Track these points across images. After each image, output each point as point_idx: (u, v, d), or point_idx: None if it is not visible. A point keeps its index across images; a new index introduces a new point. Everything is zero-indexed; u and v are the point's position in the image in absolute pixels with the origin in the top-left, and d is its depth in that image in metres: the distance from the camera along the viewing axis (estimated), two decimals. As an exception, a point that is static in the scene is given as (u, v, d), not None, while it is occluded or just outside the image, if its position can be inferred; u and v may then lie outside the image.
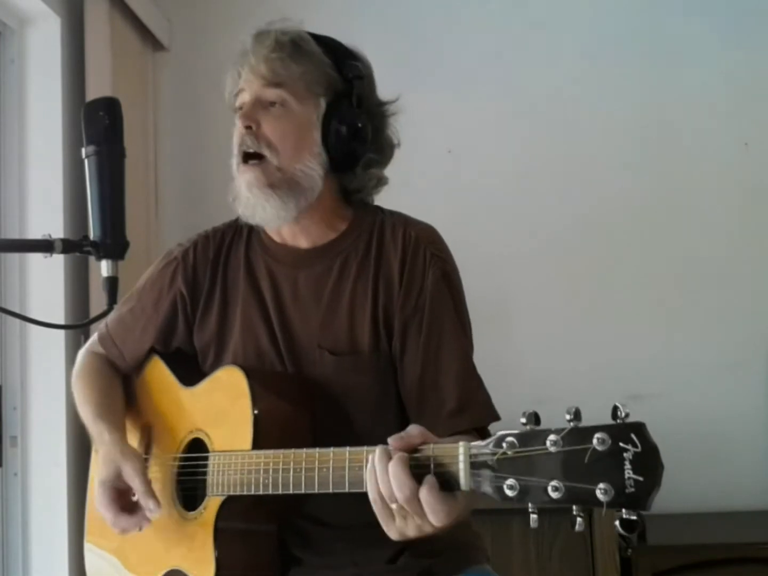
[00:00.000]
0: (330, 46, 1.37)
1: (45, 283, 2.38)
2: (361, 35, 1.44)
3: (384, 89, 1.43)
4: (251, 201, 1.32)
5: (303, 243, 1.38)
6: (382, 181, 1.41)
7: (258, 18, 1.39)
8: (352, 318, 1.32)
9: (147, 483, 1.27)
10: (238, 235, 1.44)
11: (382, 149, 1.41)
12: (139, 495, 1.26)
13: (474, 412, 1.27)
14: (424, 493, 0.96)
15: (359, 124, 1.34)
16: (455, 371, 1.29)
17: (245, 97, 1.34)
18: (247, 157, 1.32)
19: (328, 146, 1.33)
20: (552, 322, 2.80)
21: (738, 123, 2.82)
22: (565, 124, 2.85)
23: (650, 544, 2.30)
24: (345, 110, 1.34)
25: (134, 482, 1.27)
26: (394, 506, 0.99)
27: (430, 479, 0.97)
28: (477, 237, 2.75)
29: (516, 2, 2.94)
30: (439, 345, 1.30)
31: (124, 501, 1.29)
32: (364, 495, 1.04)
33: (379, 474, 0.99)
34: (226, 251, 1.43)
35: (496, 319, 2.71)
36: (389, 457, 0.99)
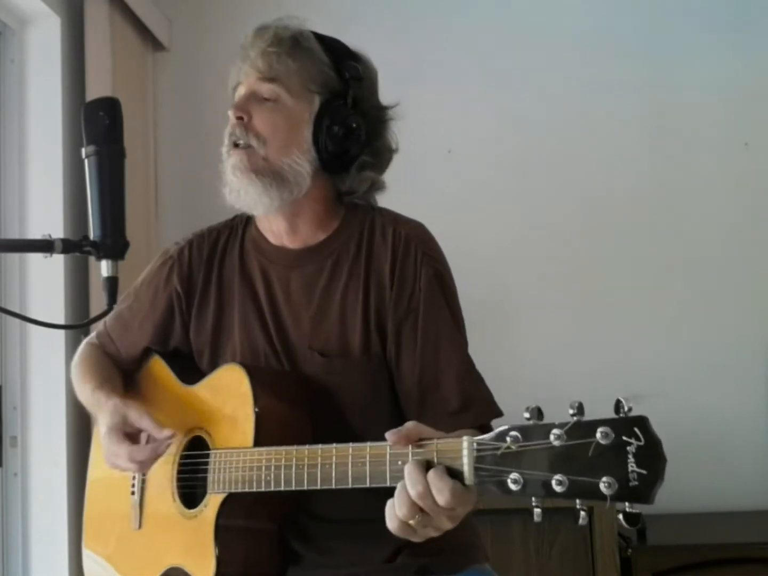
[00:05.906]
0: (331, 46, 1.37)
1: (45, 283, 2.38)
2: (361, 35, 1.43)
3: (383, 89, 1.42)
4: (235, 184, 1.32)
5: (294, 243, 1.38)
6: (377, 185, 1.40)
7: (258, 17, 1.39)
8: (343, 320, 1.32)
9: (155, 420, 1.27)
10: (234, 235, 1.45)
11: (379, 153, 1.40)
12: (151, 430, 1.26)
13: (478, 410, 1.27)
14: (432, 476, 0.96)
15: (352, 125, 1.33)
16: (455, 370, 1.29)
17: (241, 90, 1.35)
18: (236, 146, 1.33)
19: (318, 144, 1.32)
20: (552, 322, 2.79)
21: (738, 123, 2.82)
22: (565, 125, 2.85)
23: (650, 544, 2.29)
24: (339, 110, 1.33)
25: (143, 421, 1.27)
26: (412, 522, 0.99)
27: (438, 467, 0.97)
28: (477, 237, 2.75)
29: (516, 3, 2.94)
30: (436, 345, 1.29)
31: (133, 443, 1.29)
32: (364, 489, 1.04)
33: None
34: (221, 250, 1.43)
35: (496, 319, 2.71)
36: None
